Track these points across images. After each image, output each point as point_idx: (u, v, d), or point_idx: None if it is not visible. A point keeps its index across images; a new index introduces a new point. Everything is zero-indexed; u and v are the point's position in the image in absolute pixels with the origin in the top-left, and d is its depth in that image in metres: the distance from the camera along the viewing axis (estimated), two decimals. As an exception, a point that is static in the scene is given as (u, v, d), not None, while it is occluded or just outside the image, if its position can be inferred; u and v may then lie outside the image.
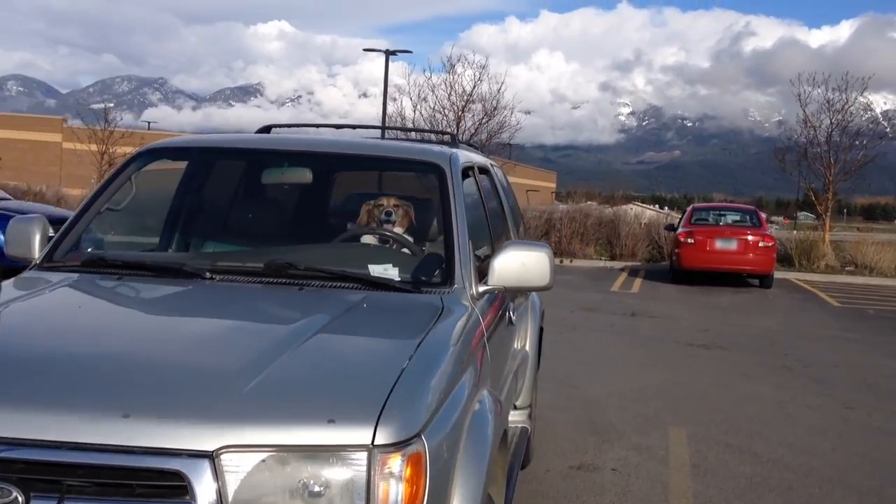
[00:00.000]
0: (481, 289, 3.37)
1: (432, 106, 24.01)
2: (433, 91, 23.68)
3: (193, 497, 1.96)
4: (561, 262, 22.94)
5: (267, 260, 3.16)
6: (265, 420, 2.05)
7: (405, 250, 3.61)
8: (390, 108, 29.16)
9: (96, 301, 3.04)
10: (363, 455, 2.03)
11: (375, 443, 2.05)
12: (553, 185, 79.00)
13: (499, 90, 24.15)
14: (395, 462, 2.06)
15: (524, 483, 5.00)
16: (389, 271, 3.27)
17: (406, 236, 3.66)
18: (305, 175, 3.91)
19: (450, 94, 24.08)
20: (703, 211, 20.28)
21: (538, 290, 3.48)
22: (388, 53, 34.07)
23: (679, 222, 19.71)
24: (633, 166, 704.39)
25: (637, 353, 10.07)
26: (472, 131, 23.68)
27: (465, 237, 3.43)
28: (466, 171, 4.08)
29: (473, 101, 23.90)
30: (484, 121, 24.02)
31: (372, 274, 3.23)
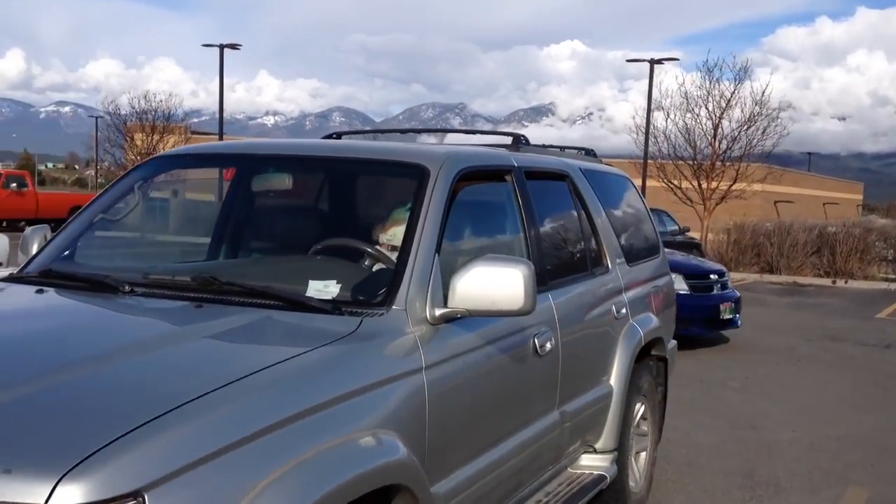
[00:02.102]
0: (439, 312, 2.82)
1: (689, 114, 22.57)
2: (686, 98, 22.23)
3: None
4: (834, 282, 20.47)
5: (195, 274, 2.87)
6: None
7: (380, 265, 3.15)
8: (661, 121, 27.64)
9: None
10: None
11: (52, 500, 1.66)
12: (859, 198, 71.53)
13: (763, 93, 22.14)
14: None
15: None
16: (330, 288, 2.84)
17: (382, 250, 3.19)
18: (285, 181, 3.57)
19: (707, 101, 22.50)
20: None
21: (510, 314, 2.86)
22: (653, 63, 32.76)
23: None
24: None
25: (862, 393, 8.49)
26: (731, 139, 21.91)
27: (428, 251, 2.90)
28: (479, 175, 3.51)
29: (732, 107, 22.11)
30: (744, 128, 22.12)
31: (308, 291, 2.82)
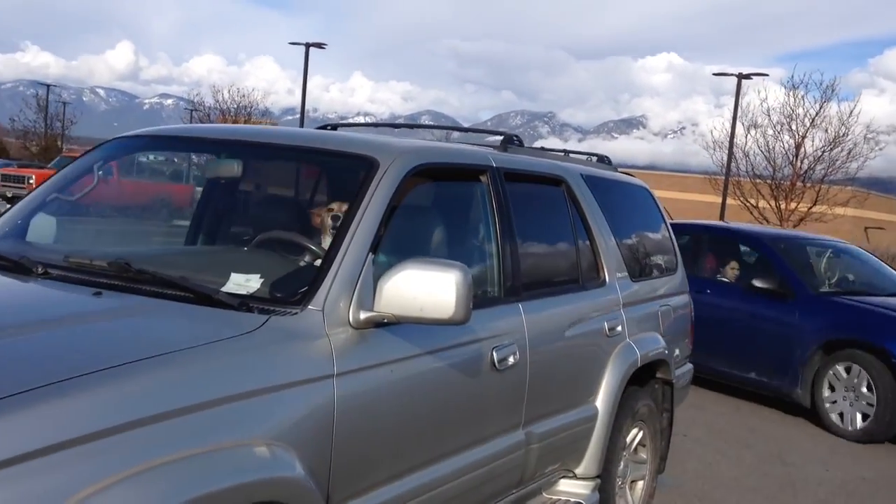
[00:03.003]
0: (364, 316, 2.62)
1: (770, 131, 21.73)
2: (769, 115, 21.40)
3: None
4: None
5: (112, 259, 2.73)
6: None
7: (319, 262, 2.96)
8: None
9: None
10: None
11: None
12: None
13: (850, 114, 21.15)
14: None
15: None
16: (251, 283, 2.67)
17: (309, 244, 2.99)
18: (232, 168, 3.41)
19: (790, 120, 21.62)
20: None
21: (440, 323, 2.64)
22: (741, 77, 31.80)
23: None
24: None
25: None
26: (814, 159, 20.99)
27: (360, 249, 2.70)
28: (444, 173, 3.29)
29: (817, 126, 21.18)
30: (827, 149, 21.17)
31: (227, 285, 2.65)
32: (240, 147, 3.41)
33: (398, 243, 3.07)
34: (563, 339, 3.74)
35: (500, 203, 3.50)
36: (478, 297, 3.40)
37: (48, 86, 72.12)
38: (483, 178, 3.49)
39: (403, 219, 3.08)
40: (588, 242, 4.20)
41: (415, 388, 2.83)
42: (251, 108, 33.54)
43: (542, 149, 4.35)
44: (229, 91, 31.73)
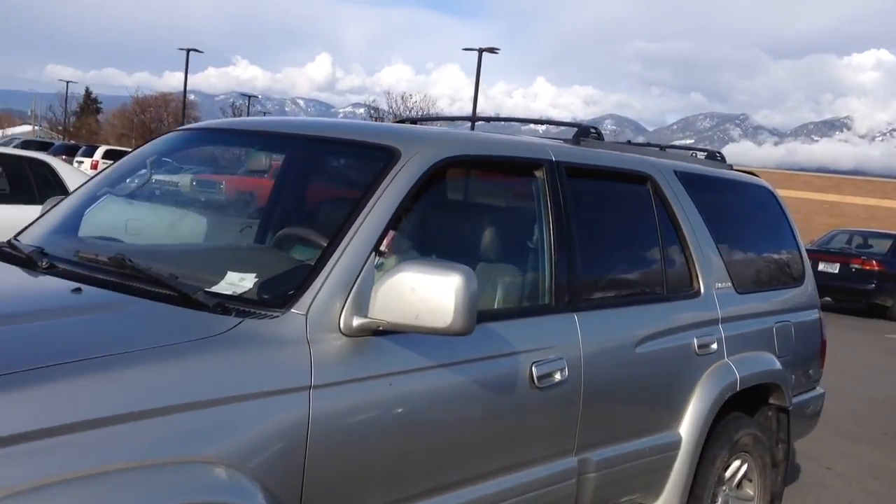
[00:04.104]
0: (357, 322, 2.37)
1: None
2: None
3: None
4: None
5: (112, 255, 2.63)
6: None
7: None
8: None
9: None
10: None
11: None
12: None
13: None
14: None
15: None
16: (245, 282, 2.49)
17: (321, 241, 2.75)
18: (262, 161, 3.24)
19: None
20: None
21: (438, 332, 2.34)
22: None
23: None
24: None
25: None
26: None
27: (360, 249, 2.46)
28: (486, 166, 2.97)
29: None
30: None
31: (222, 283, 2.49)
32: (261, 138, 3.27)
33: (422, 244, 2.80)
34: (633, 356, 3.31)
35: (558, 201, 3.13)
36: (519, 306, 3.08)
37: (249, 97, 77.12)
38: (538, 174, 3.13)
39: (431, 216, 2.81)
40: (679, 248, 3.73)
41: (423, 405, 2.54)
42: (427, 113, 34.16)
43: (630, 143, 3.91)
44: (402, 97, 32.50)
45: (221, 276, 2.49)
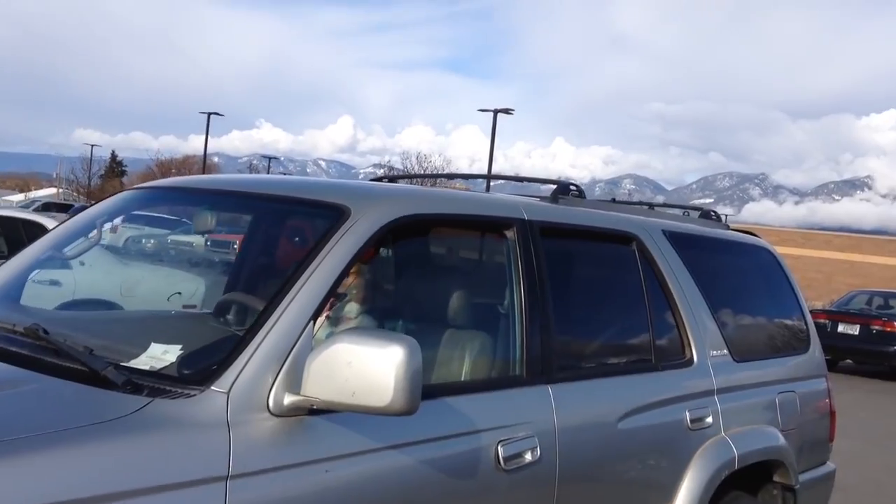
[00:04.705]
0: (289, 400, 2.13)
1: None
2: None
3: None
4: None
5: (29, 324, 2.39)
6: None
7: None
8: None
9: None
10: None
11: None
12: None
13: None
14: None
15: None
16: (168, 355, 2.25)
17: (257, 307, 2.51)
18: (207, 220, 3.03)
19: None
20: None
21: (375, 412, 2.09)
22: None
23: None
24: None
25: None
26: None
27: (297, 317, 2.22)
28: (448, 225, 2.75)
29: None
30: None
31: (142, 357, 2.25)
32: (211, 196, 3.06)
33: (375, 311, 2.56)
34: (615, 432, 3.03)
35: (531, 263, 2.89)
36: (485, 378, 2.83)
37: (269, 158, 78.08)
38: (508, 233, 2.90)
39: (386, 280, 2.57)
40: (669, 312, 3.47)
41: (368, 495, 2.26)
42: (432, 171, 34.28)
43: (615, 201, 3.68)
44: (417, 158, 32.66)
45: (143, 347, 2.26)
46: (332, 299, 2.36)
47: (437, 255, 2.94)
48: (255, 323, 2.23)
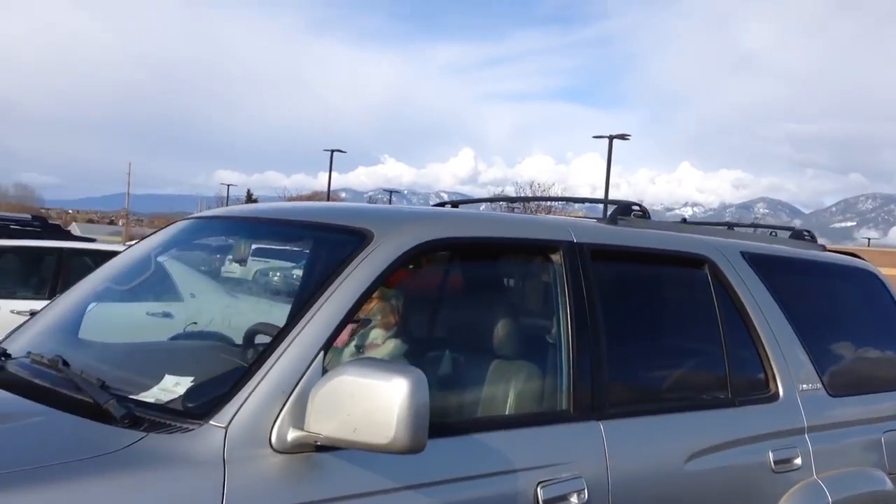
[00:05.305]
0: (293, 436, 2.00)
1: None
2: None
3: None
4: None
5: (53, 356, 2.37)
6: None
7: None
8: None
9: None
10: None
11: None
12: None
13: None
14: None
15: None
16: (178, 387, 2.17)
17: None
18: (241, 249, 2.94)
19: None
20: None
21: (377, 450, 1.93)
22: None
23: None
24: None
25: None
26: None
27: (306, 348, 2.10)
28: (484, 250, 2.57)
29: None
30: None
31: (154, 389, 2.18)
32: (239, 224, 2.99)
33: (402, 337, 2.40)
34: (681, 474, 2.74)
35: (579, 288, 2.67)
36: (524, 413, 2.62)
37: (391, 192, 79.54)
38: (554, 257, 2.69)
39: (412, 306, 2.42)
40: (749, 342, 3.15)
41: None
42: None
43: (685, 221, 3.40)
44: (531, 185, 32.59)
45: (152, 379, 2.19)
46: (354, 325, 2.21)
47: (476, 280, 2.75)
48: (262, 353, 2.12)
